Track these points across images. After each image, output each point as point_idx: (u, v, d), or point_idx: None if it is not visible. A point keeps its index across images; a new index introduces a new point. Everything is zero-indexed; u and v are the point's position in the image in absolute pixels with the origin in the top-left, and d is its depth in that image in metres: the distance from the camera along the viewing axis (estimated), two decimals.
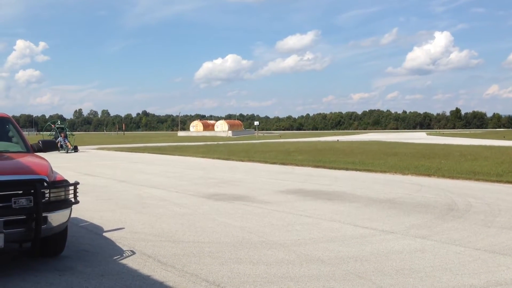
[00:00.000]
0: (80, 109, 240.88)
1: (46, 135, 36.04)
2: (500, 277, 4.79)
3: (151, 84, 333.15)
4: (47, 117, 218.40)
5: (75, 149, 30.64)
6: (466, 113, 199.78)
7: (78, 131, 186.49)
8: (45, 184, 4.95)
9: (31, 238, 4.79)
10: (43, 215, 4.80)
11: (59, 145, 28.24)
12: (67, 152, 28.97)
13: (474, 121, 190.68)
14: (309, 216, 8.05)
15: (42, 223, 4.78)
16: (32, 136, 64.16)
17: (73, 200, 5.37)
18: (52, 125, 37.51)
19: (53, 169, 5.61)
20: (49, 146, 6.61)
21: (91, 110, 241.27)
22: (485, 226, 7.20)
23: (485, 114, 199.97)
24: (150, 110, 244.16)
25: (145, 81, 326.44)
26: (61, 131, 33.23)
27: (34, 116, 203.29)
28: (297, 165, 18.92)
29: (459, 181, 13.19)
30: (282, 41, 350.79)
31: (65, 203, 5.20)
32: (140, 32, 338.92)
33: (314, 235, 6.65)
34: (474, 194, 10.50)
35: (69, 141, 31.16)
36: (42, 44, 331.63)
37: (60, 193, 5.14)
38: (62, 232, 5.34)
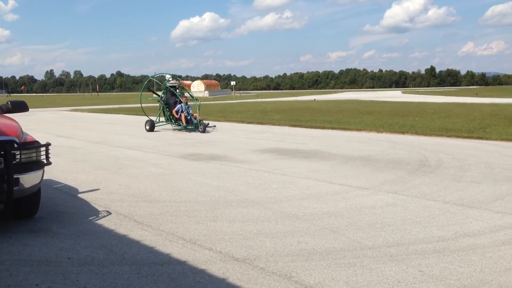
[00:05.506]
0: (51, 70, 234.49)
1: (147, 100, 21.94)
2: (467, 228, 4.97)
3: (125, 44, 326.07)
4: (17, 78, 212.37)
5: (203, 125, 16.36)
6: (440, 71, 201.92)
7: (50, 93, 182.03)
8: (15, 145, 4.84)
9: (3, 200, 4.73)
10: (15, 176, 4.73)
11: (183, 117, 16.81)
12: (203, 131, 16.10)
13: (448, 79, 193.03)
14: (285, 175, 8.14)
15: (13, 184, 4.71)
16: (2, 98, 62.35)
17: (45, 161, 5.29)
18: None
19: (23, 130, 5.48)
20: (19, 107, 6.39)
21: (63, 71, 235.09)
22: (455, 181, 7.41)
23: (459, 72, 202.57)
24: (124, 71, 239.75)
25: (119, 41, 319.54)
26: (174, 92, 17.93)
27: (3, 77, 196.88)
28: (274, 124, 18.96)
29: (432, 138, 13.48)
30: None
31: (37, 165, 5.11)
32: None
33: (290, 193, 6.75)
34: (445, 150, 10.75)
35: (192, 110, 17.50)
36: (11, 2, 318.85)
37: (31, 154, 5.04)
38: (35, 193, 5.28)
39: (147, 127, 17.10)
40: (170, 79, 18.90)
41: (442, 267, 3.93)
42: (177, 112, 17.13)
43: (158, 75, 20.93)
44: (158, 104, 19.10)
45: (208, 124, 16.89)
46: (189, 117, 16.83)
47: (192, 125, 16.67)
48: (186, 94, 18.51)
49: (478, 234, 4.78)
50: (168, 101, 17.89)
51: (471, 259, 4.09)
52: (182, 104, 17.13)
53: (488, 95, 55.83)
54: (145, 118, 18.25)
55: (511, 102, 33.64)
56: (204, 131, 16.11)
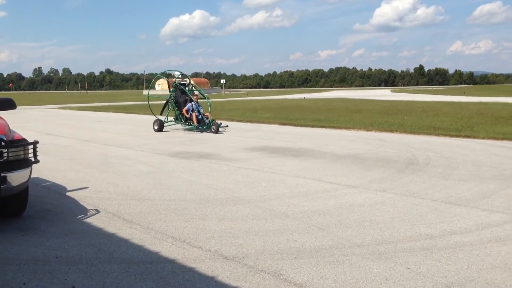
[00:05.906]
0: (40, 67, 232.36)
1: (156, 98, 19.94)
2: (455, 226, 5.03)
3: (115, 41, 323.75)
4: (5, 75, 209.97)
5: (216, 125, 15.29)
6: (429, 70, 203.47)
7: (38, 90, 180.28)
8: (3, 143, 4.79)
9: None
10: (2, 175, 4.68)
11: (194, 117, 15.75)
12: (216, 132, 15.11)
13: (437, 78, 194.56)
14: (275, 173, 8.16)
15: (1, 183, 4.66)
16: None
17: (33, 159, 5.24)
18: (167, 80, 19.12)
19: (11, 128, 5.43)
20: (6, 104, 6.30)
21: (52, 68, 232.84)
22: (442, 179, 7.48)
23: (447, 71, 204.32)
24: (114, 68, 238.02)
25: (108, 38, 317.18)
26: (184, 90, 16.76)
27: None
28: (263, 122, 18.97)
29: (420, 136, 13.58)
30: None
31: (25, 163, 5.06)
32: None
33: (280, 191, 6.76)
34: (434, 149, 10.84)
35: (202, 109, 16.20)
36: None
37: (19, 152, 4.99)
38: (23, 192, 5.23)
39: (156, 127, 15.91)
40: (180, 76, 17.87)
41: (430, 264, 3.97)
42: (187, 111, 15.96)
43: (171, 72, 19.85)
44: (164, 102, 17.80)
45: (221, 124, 15.66)
46: (200, 117, 15.71)
47: (204, 125, 15.57)
48: (196, 92, 17.25)
49: (465, 232, 4.83)
50: (178, 100, 16.61)
51: (458, 257, 4.14)
52: (193, 102, 15.94)
53: (476, 94, 56.32)
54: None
55: (499, 101, 34.01)
56: (217, 131, 15.05)
